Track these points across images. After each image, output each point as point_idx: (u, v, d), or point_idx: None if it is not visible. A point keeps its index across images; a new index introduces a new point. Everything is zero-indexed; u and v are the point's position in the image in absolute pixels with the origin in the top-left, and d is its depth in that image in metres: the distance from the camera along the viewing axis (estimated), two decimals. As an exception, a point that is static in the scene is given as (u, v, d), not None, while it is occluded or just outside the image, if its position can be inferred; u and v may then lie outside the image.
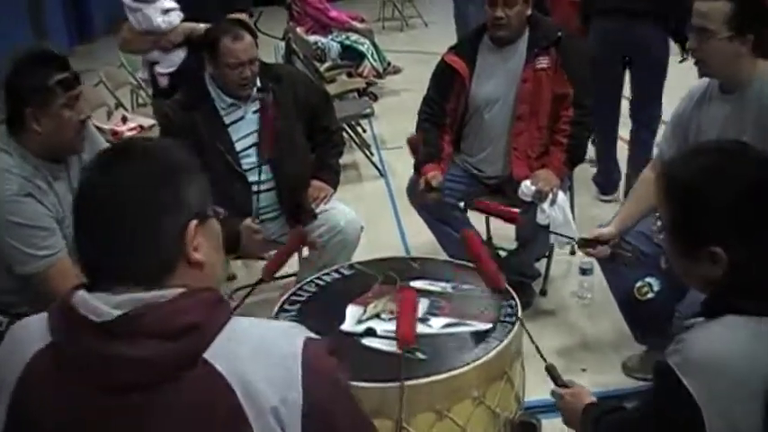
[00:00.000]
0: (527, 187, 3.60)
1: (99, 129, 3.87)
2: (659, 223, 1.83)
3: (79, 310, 1.25)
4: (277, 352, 1.28)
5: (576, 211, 4.01)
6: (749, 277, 1.60)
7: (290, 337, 1.32)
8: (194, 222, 1.30)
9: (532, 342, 2.42)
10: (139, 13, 4.26)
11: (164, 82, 4.34)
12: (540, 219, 3.58)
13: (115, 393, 1.23)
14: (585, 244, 3.11)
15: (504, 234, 4.31)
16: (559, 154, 3.71)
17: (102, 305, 1.23)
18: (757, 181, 1.66)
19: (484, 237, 4.31)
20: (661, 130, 4.92)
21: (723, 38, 2.71)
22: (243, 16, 4.18)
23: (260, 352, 1.26)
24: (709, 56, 2.79)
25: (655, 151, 3.88)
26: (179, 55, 4.31)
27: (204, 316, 1.26)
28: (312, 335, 1.35)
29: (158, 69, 4.36)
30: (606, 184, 5.26)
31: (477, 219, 4.29)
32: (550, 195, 3.56)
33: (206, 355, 1.24)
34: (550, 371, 2.27)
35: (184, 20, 4.29)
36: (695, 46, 2.83)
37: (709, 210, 1.64)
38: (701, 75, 2.98)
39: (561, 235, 3.38)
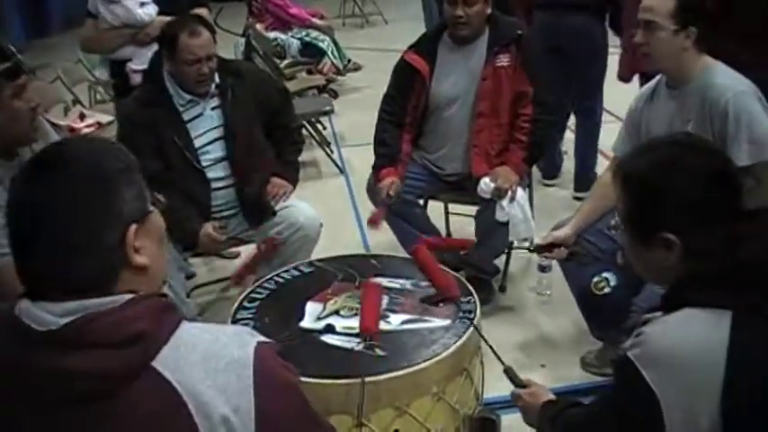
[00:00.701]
0: (486, 184, 3.62)
1: (55, 125, 3.81)
2: (616, 218, 1.85)
3: (22, 319, 1.21)
4: (227, 357, 1.25)
5: (534, 207, 4.03)
6: (706, 270, 1.62)
7: (241, 342, 1.29)
8: (134, 227, 1.27)
9: (488, 345, 2.43)
10: (118, 5, 4.18)
11: (137, 79, 4.21)
12: (500, 216, 3.61)
13: (61, 407, 1.19)
14: (541, 249, 3.14)
15: (463, 231, 4.33)
16: (519, 151, 3.73)
17: (46, 314, 1.20)
18: (711, 170, 1.69)
19: (443, 233, 4.33)
20: (605, 123, 5.11)
21: (669, 31, 2.80)
22: (203, 12, 4.15)
23: (209, 358, 1.24)
24: (655, 49, 2.87)
25: (607, 151, 3.93)
26: (153, 50, 4.25)
27: (153, 323, 1.23)
28: (263, 339, 1.33)
29: (132, 66, 4.26)
30: (549, 168, 5.46)
31: (436, 215, 4.31)
32: (509, 192, 3.59)
33: (155, 364, 1.21)
34: (509, 373, 2.27)
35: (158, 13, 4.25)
36: (642, 40, 2.89)
37: (665, 199, 1.67)
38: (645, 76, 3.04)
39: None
